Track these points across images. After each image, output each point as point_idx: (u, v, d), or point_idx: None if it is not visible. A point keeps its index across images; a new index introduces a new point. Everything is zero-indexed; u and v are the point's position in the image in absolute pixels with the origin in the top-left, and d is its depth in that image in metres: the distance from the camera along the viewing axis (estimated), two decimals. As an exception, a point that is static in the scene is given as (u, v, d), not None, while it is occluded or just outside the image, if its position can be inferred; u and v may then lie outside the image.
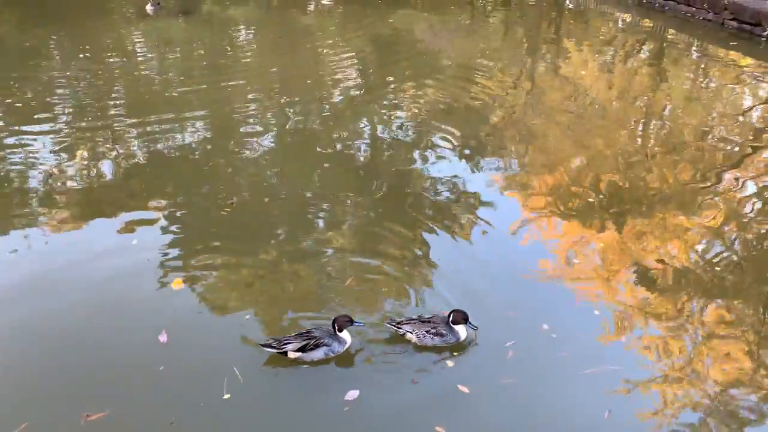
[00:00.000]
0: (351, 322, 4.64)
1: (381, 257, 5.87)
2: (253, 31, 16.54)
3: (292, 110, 9.95)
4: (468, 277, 5.54)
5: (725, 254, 5.97)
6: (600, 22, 16.90)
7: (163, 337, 4.79)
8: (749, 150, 8.20)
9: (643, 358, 4.68)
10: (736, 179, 7.40)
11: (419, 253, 5.97)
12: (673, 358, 4.67)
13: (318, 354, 4.56)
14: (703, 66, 12.43)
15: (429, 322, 4.74)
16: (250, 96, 10.58)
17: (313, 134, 9.01)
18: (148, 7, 17.39)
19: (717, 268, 5.74)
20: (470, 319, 4.71)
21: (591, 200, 6.94)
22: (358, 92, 10.97)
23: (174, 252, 5.97)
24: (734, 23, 13.79)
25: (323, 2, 21.38)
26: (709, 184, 7.28)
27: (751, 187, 7.22)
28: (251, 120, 9.49)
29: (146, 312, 5.16)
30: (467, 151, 8.34)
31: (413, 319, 4.77)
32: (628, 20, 16.58)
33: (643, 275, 5.60)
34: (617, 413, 4.16)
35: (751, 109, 9.84)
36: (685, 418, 4.17)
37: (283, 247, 6.08)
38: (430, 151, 8.38)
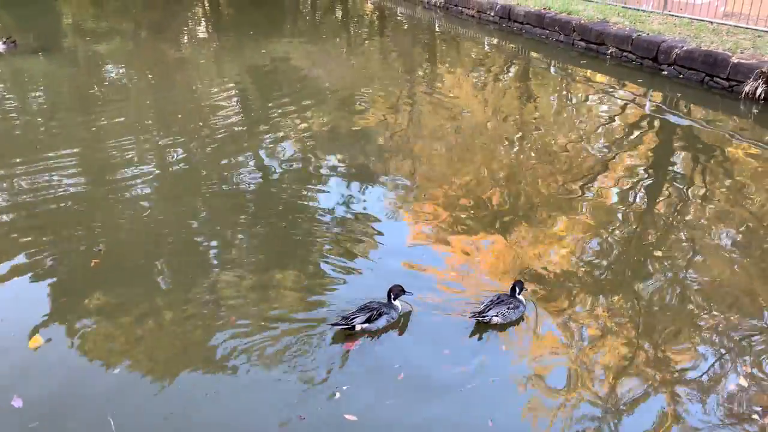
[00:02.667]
0: (404, 291, 5.22)
1: (275, 293, 5.73)
2: (123, 67, 15.81)
3: (172, 148, 9.53)
4: (364, 299, 5.46)
5: (600, 254, 6.36)
6: (469, 46, 17.85)
7: (17, 402, 4.35)
8: (610, 157, 8.93)
9: (524, 363, 4.86)
10: (603, 184, 8.00)
11: (314, 282, 5.90)
12: (557, 359, 4.87)
13: (381, 322, 5.07)
14: (563, 83, 13.46)
15: (501, 302, 5.10)
16: (125, 135, 9.99)
17: (196, 171, 8.65)
18: (0, 46, 16.18)
19: (592, 268, 6.10)
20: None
21: (476, 214, 7.19)
22: (240, 125, 10.74)
23: (32, 308, 5.46)
24: (582, 44, 15.09)
25: (197, 35, 20.95)
26: (580, 190, 7.79)
27: (616, 191, 7.82)
28: (128, 160, 8.96)
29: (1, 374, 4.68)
30: (355, 176, 8.40)
31: (489, 306, 5.07)
32: (494, 43, 17.65)
33: (528, 281, 5.82)
34: (500, 421, 4.28)
35: (609, 119, 10.74)
36: (569, 415, 4.34)
37: (162, 294, 5.75)
38: (318, 179, 8.36)
